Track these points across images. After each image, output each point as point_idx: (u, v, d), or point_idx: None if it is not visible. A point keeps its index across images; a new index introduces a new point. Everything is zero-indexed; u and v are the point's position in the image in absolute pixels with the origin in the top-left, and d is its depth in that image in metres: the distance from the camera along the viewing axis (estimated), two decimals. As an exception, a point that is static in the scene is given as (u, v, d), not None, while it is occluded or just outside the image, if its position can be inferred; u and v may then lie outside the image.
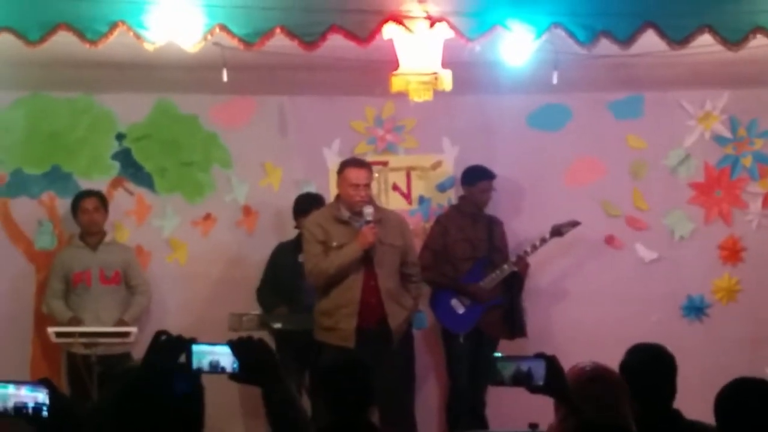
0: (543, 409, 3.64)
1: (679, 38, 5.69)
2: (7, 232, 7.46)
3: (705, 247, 7.81)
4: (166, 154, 7.63)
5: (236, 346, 3.20)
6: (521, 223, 7.73)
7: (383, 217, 6.59)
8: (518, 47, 5.95)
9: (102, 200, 7.27)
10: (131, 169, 7.60)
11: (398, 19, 5.60)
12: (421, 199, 7.87)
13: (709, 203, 7.83)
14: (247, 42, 5.58)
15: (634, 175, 7.84)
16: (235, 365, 3.19)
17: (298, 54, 5.78)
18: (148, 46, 5.56)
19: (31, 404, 3.03)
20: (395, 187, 7.86)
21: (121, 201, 7.57)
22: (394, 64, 5.79)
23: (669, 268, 7.81)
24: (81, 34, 5.47)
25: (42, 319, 7.28)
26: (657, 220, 7.83)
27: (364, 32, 5.61)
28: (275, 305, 7.16)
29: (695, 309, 7.81)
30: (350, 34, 5.61)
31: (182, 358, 3.24)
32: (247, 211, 7.71)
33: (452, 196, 7.78)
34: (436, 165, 7.87)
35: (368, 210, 6.41)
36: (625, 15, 5.67)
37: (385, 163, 7.81)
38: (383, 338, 6.47)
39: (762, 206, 7.80)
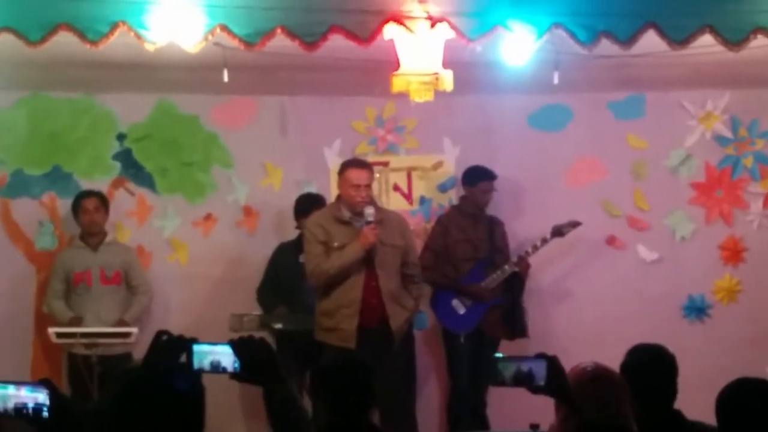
0: (544, 409, 3.64)
1: (679, 38, 5.69)
2: (7, 233, 7.46)
3: (706, 248, 7.81)
4: (167, 154, 7.63)
5: (237, 346, 3.20)
6: (522, 223, 7.72)
7: (384, 217, 6.59)
8: (519, 47, 5.94)
9: (103, 200, 7.27)
10: (132, 169, 7.61)
11: (399, 20, 5.60)
12: (422, 200, 7.87)
13: (710, 203, 7.83)
14: (247, 42, 5.58)
15: (635, 175, 7.84)
16: (236, 365, 3.20)
17: (298, 54, 5.77)
18: (149, 47, 5.55)
19: (31, 405, 3.02)
20: (396, 188, 7.86)
21: (122, 201, 7.57)
22: (395, 65, 5.79)
23: (670, 269, 7.81)
24: (82, 35, 5.47)
25: (42, 320, 7.28)
26: (658, 220, 7.83)
27: (365, 32, 5.61)
28: (275, 305, 7.16)
29: (696, 309, 7.81)
30: (351, 35, 5.60)
31: (183, 358, 3.24)
32: (247, 211, 7.71)
33: (453, 196, 7.78)
34: (437, 165, 7.87)
35: (369, 210, 6.41)
36: (626, 15, 5.67)
37: (385, 164, 7.81)
38: (384, 339, 6.47)
39: (763, 206, 7.80)
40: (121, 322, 7.01)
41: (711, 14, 5.66)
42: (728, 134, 7.81)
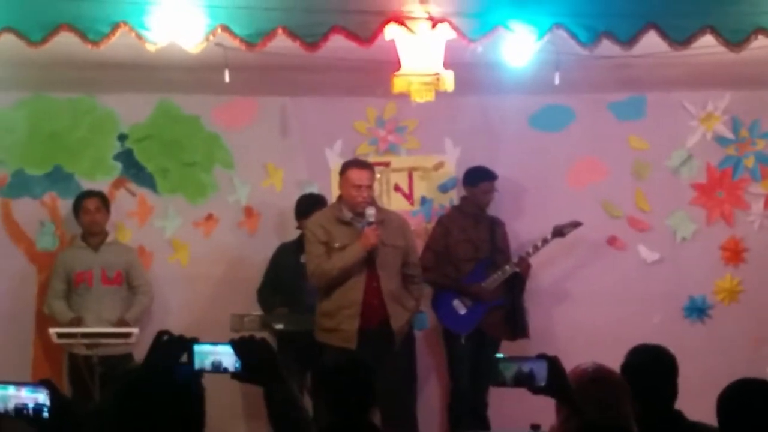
0: (545, 410, 3.64)
1: (680, 39, 5.69)
2: (8, 233, 7.46)
3: (707, 248, 7.81)
4: (168, 154, 7.64)
5: (238, 346, 3.20)
6: (523, 223, 7.72)
7: (385, 218, 6.58)
8: (520, 48, 5.94)
9: (104, 201, 7.27)
10: (133, 169, 7.61)
11: (400, 20, 5.60)
12: (423, 200, 7.87)
13: (711, 204, 7.83)
14: (249, 43, 5.58)
15: (636, 175, 7.84)
16: (237, 365, 3.20)
17: (300, 55, 5.77)
18: (150, 47, 5.56)
19: (31, 405, 3.02)
20: (397, 188, 7.86)
21: (123, 202, 7.57)
22: (396, 65, 5.79)
23: (671, 269, 7.81)
24: (83, 35, 5.47)
25: (43, 320, 7.28)
26: (659, 220, 7.83)
27: (366, 33, 5.61)
28: (275, 306, 7.16)
29: (697, 310, 7.81)
30: (352, 35, 5.61)
31: (184, 359, 3.24)
32: (248, 211, 7.72)
33: (454, 196, 7.78)
34: (438, 166, 7.87)
35: (370, 211, 6.41)
36: (627, 16, 5.67)
37: (387, 164, 7.81)
38: (385, 339, 6.47)
39: (764, 207, 7.81)
40: (122, 321, 7.01)
41: (712, 15, 5.66)
42: (729, 135, 7.81)
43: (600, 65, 6.53)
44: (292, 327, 6.91)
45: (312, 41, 5.61)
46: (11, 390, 3.05)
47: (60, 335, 6.67)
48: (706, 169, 7.83)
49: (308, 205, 7.11)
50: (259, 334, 3.43)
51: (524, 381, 3.37)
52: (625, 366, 4.04)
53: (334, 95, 7.65)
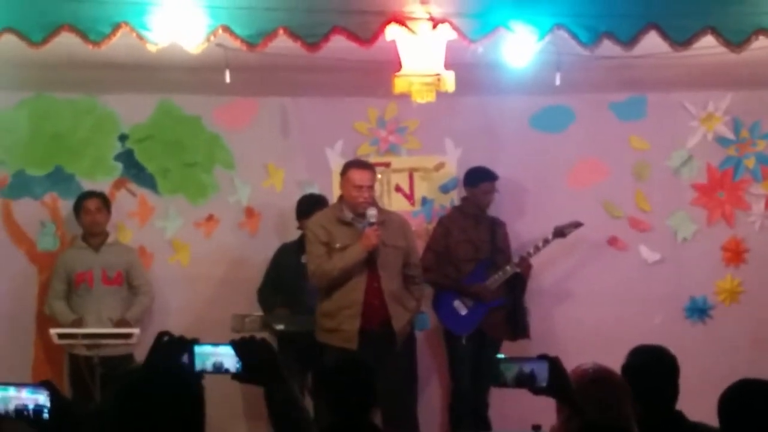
0: (546, 410, 3.64)
1: (681, 40, 5.69)
2: (9, 233, 7.46)
3: (708, 249, 7.81)
4: (169, 155, 7.64)
5: (238, 346, 3.20)
6: (524, 224, 7.72)
7: (386, 218, 6.58)
8: (521, 48, 5.94)
9: (104, 201, 7.27)
10: (134, 170, 7.61)
11: (401, 21, 5.60)
12: (424, 201, 7.87)
13: (712, 204, 7.83)
14: (249, 43, 5.58)
15: (636, 176, 7.84)
16: (238, 365, 3.20)
17: (300, 55, 5.77)
18: (151, 47, 5.56)
19: (31, 406, 3.03)
20: (398, 189, 7.86)
21: (124, 202, 7.57)
22: (397, 66, 5.79)
23: (672, 270, 7.81)
24: (84, 35, 5.47)
25: (44, 321, 7.27)
26: (660, 221, 7.83)
27: (367, 33, 5.61)
28: (276, 305, 7.16)
29: (698, 310, 7.81)
30: (353, 36, 5.60)
31: (185, 359, 3.24)
32: (249, 212, 7.72)
33: (455, 197, 7.78)
34: (439, 166, 7.87)
35: (371, 212, 6.41)
36: (628, 16, 5.67)
37: (387, 165, 7.81)
38: (386, 340, 6.47)
39: (765, 207, 7.81)
40: (122, 321, 7.01)
41: (713, 15, 5.66)
42: (730, 135, 7.81)
43: (601, 66, 6.53)
44: (292, 327, 6.91)
45: (313, 42, 5.60)
46: (12, 391, 3.05)
47: (61, 336, 6.67)
48: (706, 170, 7.83)
49: (309, 205, 7.11)
50: (260, 335, 3.44)
51: (525, 381, 3.37)
52: (626, 366, 4.03)
53: (335, 96, 7.65)
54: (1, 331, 7.36)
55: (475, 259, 7.33)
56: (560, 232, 7.36)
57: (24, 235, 7.48)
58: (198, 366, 3.20)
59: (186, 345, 3.23)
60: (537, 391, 3.38)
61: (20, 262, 7.47)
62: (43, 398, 3.02)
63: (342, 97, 7.67)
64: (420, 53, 5.73)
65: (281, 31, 5.55)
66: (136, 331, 6.68)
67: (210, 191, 7.68)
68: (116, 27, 5.46)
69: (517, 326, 7.34)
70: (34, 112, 7.48)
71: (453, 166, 7.83)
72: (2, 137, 7.44)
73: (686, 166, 7.83)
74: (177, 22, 5.46)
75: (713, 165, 7.82)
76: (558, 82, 6.35)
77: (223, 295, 7.51)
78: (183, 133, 7.65)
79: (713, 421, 3.67)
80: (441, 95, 5.87)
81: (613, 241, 7.83)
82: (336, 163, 7.47)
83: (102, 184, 7.48)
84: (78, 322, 6.96)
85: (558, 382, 3.37)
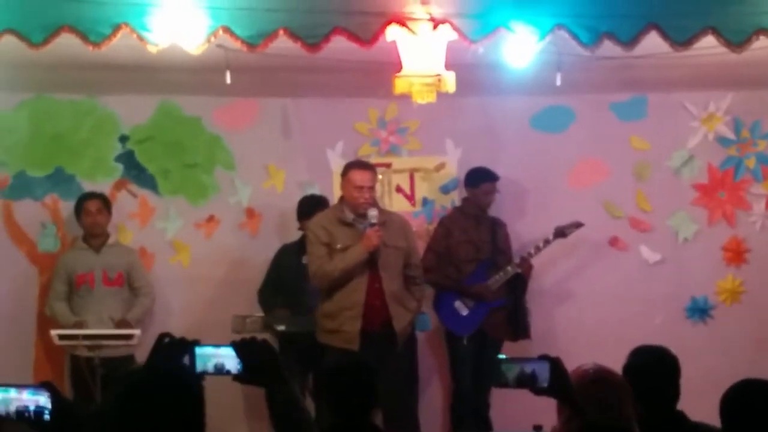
0: (547, 411, 3.64)
1: (682, 40, 5.69)
2: (10, 234, 7.46)
3: (709, 249, 7.81)
4: (170, 156, 7.64)
5: (239, 348, 3.20)
6: (525, 224, 7.72)
7: (387, 219, 6.58)
8: (521, 49, 5.95)
9: (105, 202, 7.27)
10: (134, 171, 7.61)
11: (401, 21, 5.60)
12: (425, 201, 7.87)
13: (713, 205, 7.83)
14: (250, 44, 5.58)
15: (637, 176, 7.84)
16: (239, 366, 3.20)
17: (301, 56, 5.78)
18: (152, 48, 5.56)
19: (32, 408, 3.02)
20: (399, 189, 7.86)
21: (125, 203, 7.57)
22: (398, 66, 5.79)
23: (673, 270, 7.80)
24: (84, 37, 5.47)
25: (45, 322, 7.27)
26: (661, 221, 7.83)
27: (368, 34, 5.61)
28: (276, 306, 7.17)
29: (699, 310, 7.80)
30: (353, 36, 5.61)
31: (186, 361, 3.24)
32: (250, 213, 7.72)
33: (456, 197, 7.78)
34: (440, 167, 7.87)
35: (373, 213, 6.41)
36: (629, 17, 5.68)
37: (388, 165, 7.81)
38: (387, 341, 6.47)
39: (765, 207, 7.80)
40: (123, 322, 7.00)
41: (713, 15, 5.67)
42: (731, 135, 7.81)
43: (601, 66, 6.53)
44: (293, 328, 6.91)
45: (313, 42, 5.61)
46: (12, 392, 3.05)
47: (61, 337, 6.67)
48: (707, 170, 7.82)
49: (310, 206, 7.11)
50: (261, 336, 3.44)
51: (526, 382, 3.37)
52: (628, 367, 4.03)
53: (336, 96, 7.65)
54: (1, 332, 7.36)
55: (475, 260, 7.33)
56: (561, 233, 7.36)
57: (25, 236, 7.48)
58: (199, 367, 3.20)
59: (187, 346, 3.23)
60: (538, 391, 3.38)
61: (21, 263, 7.47)
62: (44, 399, 3.02)
63: (342, 97, 7.67)
64: (420, 54, 5.73)
65: (282, 32, 5.56)
66: (137, 332, 6.69)
67: (210, 192, 7.68)
68: (116, 28, 5.47)
69: (518, 327, 7.34)
70: (34, 113, 7.48)
71: (454, 167, 7.83)
72: (3, 138, 7.45)
73: (687, 166, 7.83)
74: (177, 23, 5.47)
75: (714, 165, 7.82)
76: (558, 82, 6.35)
77: (223, 295, 7.51)
78: (183, 134, 7.65)
79: (714, 421, 3.67)
80: (441, 96, 5.88)
81: (613, 242, 7.83)
82: (337, 164, 7.47)
83: (102, 185, 7.48)
84: (79, 325, 6.95)
85: (559, 383, 3.36)
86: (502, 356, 3.56)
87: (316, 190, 7.52)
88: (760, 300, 7.72)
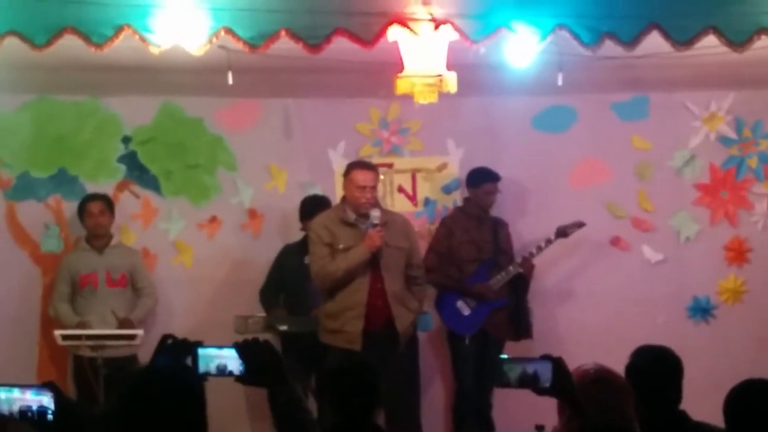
0: (549, 411, 3.64)
1: (683, 39, 5.70)
2: (13, 235, 7.47)
3: (711, 248, 7.80)
4: (172, 157, 7.64)
5: (242, 349, 3.21)
6: (526, 224, 7.72)
7: (389, 219, 6.58)
8: (523, 49, 5.95)
9: (108, 203, 7.28)
10: (137, 172, 7.62)
11: (403, 22, 5.61)
12: (427, 201, 7.87)
13: (715, 204, 7.83)
14: (252, 45, 5.59)
15: (639, 176, 7.84)
16: (241, 367, 3.20)
17: (303, 57, 5.78)
18: (154, 50, 5.57)
19: (35, 408, 3.03)
20: (400, 189, 7.86)
21: (127, 204, 7.58)
22: (399, 67, 5.80)
23: (675, 270, 7.80)
24: (87, 38, 5.48)
25: (48, 322, 7.28)
26: (662, 221, 7.83)
27: (369, 35, 5.62)
28: (277, 306, 7.18)
29: (701, 310, 7.80)
30: (355, 37, 5.61)
31: (188, 361, 3.25)
32: (252, 213, 7.72)
33: (457, 198, 7.78)
34: (441, 167, 7.87)
35: (375, 213, 6.41)
36: (630, 17, 5.68)
37: (390, 165, 7.81)
38: (389, 341, 6.47)
39: (768, 207, 7.81)
40: (125, 321, 7.01)
41: (715, 15, 5.67)
42: (732, 135, 7.80)
43: (603, 66, 6.53)
44: (296, 328, 6.92)
45: (315, 43, 5.61)
46: (16, 392, 3.06)
47: (65, 337, 6.67)
48: (709, 170, 7.82)
49: (312, 206, 7.12)
50: (263, 336, 3.45)
51: (529, 382, 3.38)
52: (630, 367, 4.03)
53: (337, 97, 7.66)
54: (5, 332, 7.37)
55: (477, 260, 7.33)
56: (563, 233, 7.36)
57: (28, 237, 7.50)
58: (202, 368, 3.21)
59: (190, 347, 3.23)
60: (540, 391, 3.38)
61: (24, 264, 7.48)
62: (47, 399, 3.03)
63: (344, 98, 7.67)
64: (422, 54, 5.73)
65: (283, 33, 5.56)
66: (140, 332, 6.69)
67: (213, 193, 7.69)
68: (119, 29, 5.48)
69: (520, 326, 7.34)
70: (37, 114, 7.49)
71: (455, 167, 7.83)
72: (6, 140, 7.45)
73: (689, 166, 7.82)
74: (179, 25, 5.48)
75: (716, 165, 7.82)
76: (560, 82, 6.36)
77: (226, 296, 7.52)
78: (186, 134, 7.65)
79: (716, 420, 3.68)
80: (443, 96, 5.88)
81: (615, 241, 7.83)
82: (338, 164, 7.47)
83: (105, 186, 7.49)
84: (82, 325, 6.95)
85: (561, 383, 3.37)
86: (504, 356, 3.57)
87: (318, 191, 7.52)
88: (762, 300, 7.72)
